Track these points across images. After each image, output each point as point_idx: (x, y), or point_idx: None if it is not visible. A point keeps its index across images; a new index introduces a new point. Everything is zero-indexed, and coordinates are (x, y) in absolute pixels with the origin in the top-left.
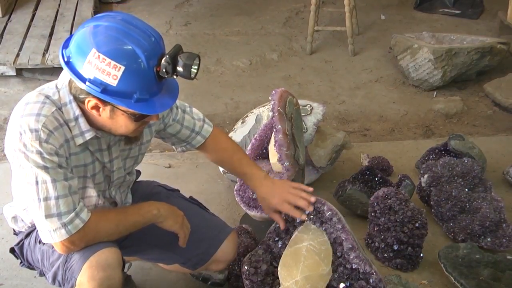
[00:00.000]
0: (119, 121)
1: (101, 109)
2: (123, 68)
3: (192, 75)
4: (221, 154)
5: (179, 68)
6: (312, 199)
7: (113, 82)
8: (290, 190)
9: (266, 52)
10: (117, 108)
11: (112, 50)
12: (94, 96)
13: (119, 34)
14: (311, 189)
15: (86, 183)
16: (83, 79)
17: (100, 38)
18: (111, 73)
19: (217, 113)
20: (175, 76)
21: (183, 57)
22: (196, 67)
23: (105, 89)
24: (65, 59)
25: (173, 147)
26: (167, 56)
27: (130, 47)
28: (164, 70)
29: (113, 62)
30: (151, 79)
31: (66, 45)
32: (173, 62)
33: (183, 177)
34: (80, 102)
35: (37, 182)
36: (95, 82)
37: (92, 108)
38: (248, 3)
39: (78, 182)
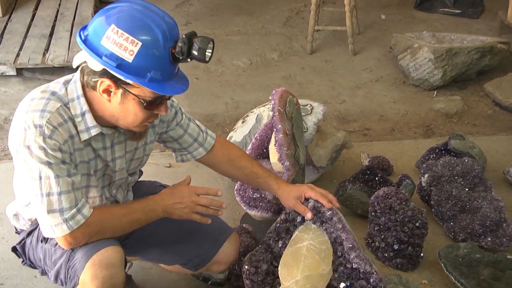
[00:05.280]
0: (129, 107)
1: (112, 93)
2: (140, 44)
3: (207, 59)
4: (238, 160)
5: (194, 51)
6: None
7: (129, 57)
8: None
9: (267, 52)
10: (129, 91)
11: (131, 26)
12: (108, 77)
13: (138, 14)
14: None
15: (90, 181)
16: (99, 55)
17: (119, 15)
18: (128, 48)
19: (218, 112)
20: (189, 60)
21: (198, 41)
22: (210, 50)
23: (121, 64)
24: (83, 38)
25: (173, 154)
26: (184, 36)
27: (148, 25)
28: (179, 51)
29: (131, 37)
30: (166, 60)
31: (84, 28)
32: (189, 44)
33: (184, 177)
34: (91, 89)
35: (40, 178)
36: (111, 57)
37: (104, 91)
38: (249, 2)
39: (81, 180)
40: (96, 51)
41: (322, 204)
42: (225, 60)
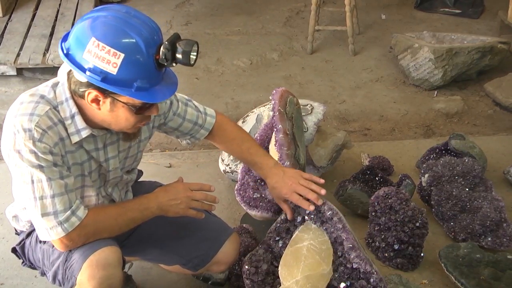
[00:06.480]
0: (119, 114)
1: (101, 102)
2: (123, 55)
3: (192, 62)
4: (229, 144)
5: (178, 55)
6: (322, 191)
7: (113, 70)
8: (301, 181)
9: (267, 52)
10: (118, 100)
11: (112, 38)
12: (95, 88)
13: (118, 23)
14: (322, 181)
15: (84, 181)
16: (83, 69)
17: (99, 27)
18: (111, 61)
19: None
20: (174, 64)
21: (181, 44)
22: (195, 53)
23: (106, 77)
24: (64, 51)
25: (178, 140)
26: (166, 42)
27: (129, 35)
28: (163, 57)
29: (112, 50)
30: (151, 67)
31: (65, 38)
32: (172, 49)
33: (184, 177)
34: (79, 97)
35: (32, 181)
36: (95, 71)
37: (92, 101)
38: (249, 2)
39: (76, 181)
40: (79, 66)
41: (322, 204)
42: (225, 60)
